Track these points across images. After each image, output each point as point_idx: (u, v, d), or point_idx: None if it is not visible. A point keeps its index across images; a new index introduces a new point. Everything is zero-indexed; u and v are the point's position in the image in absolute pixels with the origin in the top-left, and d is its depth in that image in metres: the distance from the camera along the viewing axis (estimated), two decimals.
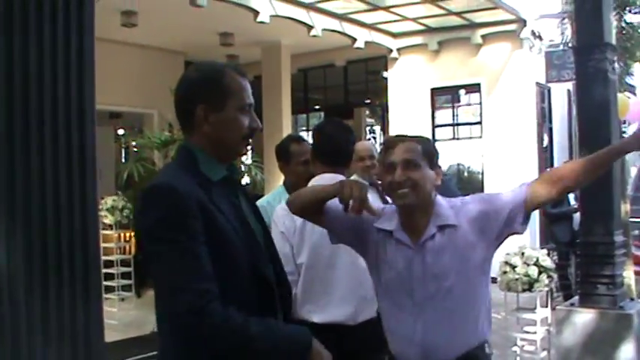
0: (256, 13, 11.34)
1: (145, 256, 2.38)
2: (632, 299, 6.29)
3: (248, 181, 11.58)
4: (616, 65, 6.33)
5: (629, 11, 11.03)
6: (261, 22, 11.50)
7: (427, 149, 3.15)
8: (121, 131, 17.92)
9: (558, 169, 3.21)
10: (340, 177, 3.73)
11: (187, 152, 2.54)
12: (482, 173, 14.49)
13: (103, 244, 9.20)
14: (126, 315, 10.26)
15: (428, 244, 3.05)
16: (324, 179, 3.75)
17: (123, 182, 8.89)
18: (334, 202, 2.97)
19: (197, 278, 2.27)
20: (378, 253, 3.15)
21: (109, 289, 9.38)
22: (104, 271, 8.78)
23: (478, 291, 3.15)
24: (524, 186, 3.07)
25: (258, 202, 3.85)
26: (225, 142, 2.54)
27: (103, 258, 8.92)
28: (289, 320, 2.70)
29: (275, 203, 4.31)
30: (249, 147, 2.64)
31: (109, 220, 9.82)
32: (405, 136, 3.19)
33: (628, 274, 6.37)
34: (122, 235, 10.97)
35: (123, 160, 17.11)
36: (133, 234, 11.23)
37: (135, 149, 11.52)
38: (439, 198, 3.17)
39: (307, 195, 3.21)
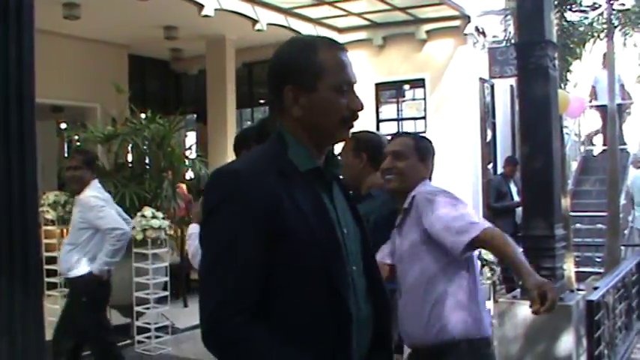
0: (201, 6, 11.27)
1: None
2: (571, 291, 6.42)
3: (192, 176, 11.53)
4: (557, 62, 6.43)
5: (570, 9, 11.24)
6: (206, 16, 11.43)
7: (420, 145, 3.65)
8: (63, 125, 17.67)
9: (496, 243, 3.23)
10: None
11: (278, 136, 2.22)
12: None
13: (44, 240, 9.07)
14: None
15: (401, 227, 3.42)
16: None
17: (65, 177, 8.77)
18: None
19: (227, 285, 1.97)
20: None
21: (52, 286, 9.24)
22: (46, 267, 8.65)
23: (434, 283, 3.25)
24: (476, 232, 3.17)
25: None
26: (319, 126, 2.21)
27: (45, 254, 8.79)
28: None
29: None
30: (348, 130, 2.27)
31: (50, 215, 9.67)
32: (409, 133, 3.87)
33: (568, 267, 6.49)
34: (64, 230, 10.81)
35: (65, 155, 16.88)
36: None
37: (77, 143, 11.37)
38: (421, 187, 3.51)
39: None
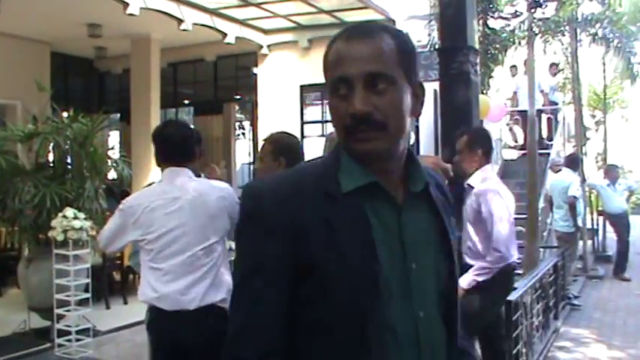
0: (126, 4, 11.17)
1: None
2: None
3: (115, 177, 11.40)
4: (478, 68, 6.56)
5: (492, 17, 11.48)
6: (131, 15, 11.34)
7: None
8: None
9: None
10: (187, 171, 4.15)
11: (333, 151, 1.85)
12: None
13: None
14: None
15: None
16: (174, 172, 4.13)
17: None
18: None
19: (240, 318, 1.75)
20: None
21: None
22: None
23: None
24: None
25: None
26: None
27: None
28: None
29: None
30: (360, 141, 1.74)
31: None
32: None
33: None
34: None
35: None
36: None
37: None
38: None
39: None
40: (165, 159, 4.19)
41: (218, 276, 4.00)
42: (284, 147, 4.23)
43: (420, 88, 1.83)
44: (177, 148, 4.16)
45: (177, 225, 3.96)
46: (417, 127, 16.00)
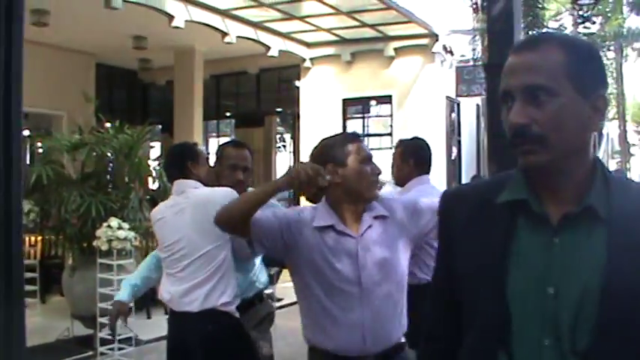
0: (171, 17, 11.28)
1: None
2: None
3: (158, 187, 11.47)
4: None
5: (538, 32, 11.40)
6: (176, 27, 11.44)
7: None
8: (26, 132, 17.49)
9: None
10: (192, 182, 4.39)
11: None
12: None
13: None
14: (30, 322, 9.95)
15: (367, 234, 3.28)
16: (180, 184, 4.40)
17: (31, 185, 8.66)
18: (261, 211, 3.15)
19: (424, 309, 1.98)
20: (317, 250, 3.26)
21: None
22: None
23: (404, 283, 3.34)
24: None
25: None
26: None
27: None
28: None
29: None
30: (521, 154, 1.71)
31: None
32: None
33: None
34: (28, 239, 10.71)
35: (28, 162, 16.68)
36: (39, 238, 10.97)
37: (40, 150, 11.26)
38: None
39: (245, 203, 3.22)
40: (167, 175, 4.78)
41: (221, 281, 4.15)
42: (411, 150, 4.95)
43: (601, 100, 1.72)
44: (170, 166, 4.59)
45: (181, 235, 4.22)
46: (459, 142, 15.95)
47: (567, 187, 1.72)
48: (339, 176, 3.20)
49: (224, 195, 4.08)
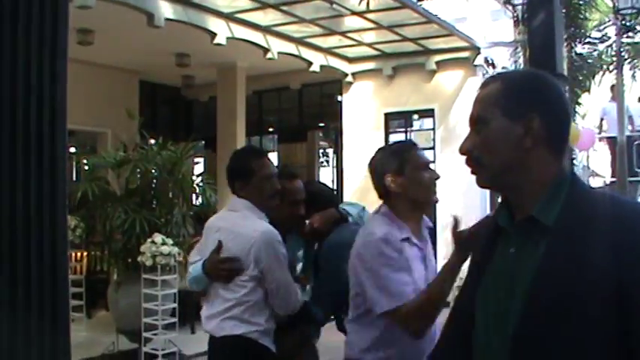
0: (213, 35, 11.38)
1: None
2: None
3: (201, 201, 11.54)
4: (567, 95, 6.47)
5: (580, 42, 11.32)
6: (218, 44, 11.54)
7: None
8: (72, 149, 17.73)
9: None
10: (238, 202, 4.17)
11: None
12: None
13: None
14: (76, 336, 10.10)
15: (428, 243, 3.41)
16: (232, 202, 4.23)
17: (77, 201, 8.78)
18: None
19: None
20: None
21: None
22: None
23: None
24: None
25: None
26: None
27: None
28: None
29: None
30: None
31: None
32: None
33: None
34: (74, 255, 10.85)
35: (74, 179, 16.91)
36: (85, 254, 11.11)
37: (86, 168, 11.40)
38: None
39: (436, 303, 3.06)
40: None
41: (241, 314, 3.92)
42: None
43: (534, 122, 1.88)
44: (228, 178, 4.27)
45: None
46: None
47: (520, 200, 1.93)
48: (398, 185, 3.22)
49: (254, 230, 3.92)
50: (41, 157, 1.50)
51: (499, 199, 2.04)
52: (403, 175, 3.25)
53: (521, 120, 1.88)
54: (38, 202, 1.50)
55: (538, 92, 1.94)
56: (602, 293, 1.68)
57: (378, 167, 3.33)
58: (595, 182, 17.92)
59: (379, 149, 3.43)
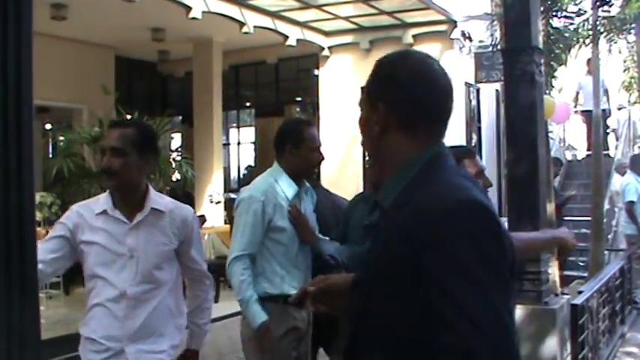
0: (188, 9, 11.29)
1: None
2: (556, 295, 6.46)
3: (178, 178, 11.53)
4: (543, 68, 6.48)
5: (556, 16, 11.31)
6: (194, 19, 11.45)
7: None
8: (48, 126, 17.63)
9: None
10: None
11: None
12: None
13: None
14: (54, 313, 10.10)
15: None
16: None
17: (52, 178, 8.74)
18: None
19: None
20: None
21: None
22: None
23: None
24: None
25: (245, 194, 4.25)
26: None
27: None
28: None
29: (271, 196, 4.22)
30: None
31: (37, 216, 9.66)
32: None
33: (553, 271, 6.53)
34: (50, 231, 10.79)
35: (50, 155, 16.83)
36: None
37: (61, 144, 11.34)
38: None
39: None
40: None
41: None
42: None
43: (379, 110, 2.02)
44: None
45: None
46: (479, 128, 15.90)
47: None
48: None
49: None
50: (6, 123, 1.50)
51: None
52: None
53: (373, 109, 2.01)
54: (5, 166, 1.51)
55: (383, 81, 2.07)
56: (401, 271, 1.72)
57: None
58: (570, 155, 18.06)
59: None
